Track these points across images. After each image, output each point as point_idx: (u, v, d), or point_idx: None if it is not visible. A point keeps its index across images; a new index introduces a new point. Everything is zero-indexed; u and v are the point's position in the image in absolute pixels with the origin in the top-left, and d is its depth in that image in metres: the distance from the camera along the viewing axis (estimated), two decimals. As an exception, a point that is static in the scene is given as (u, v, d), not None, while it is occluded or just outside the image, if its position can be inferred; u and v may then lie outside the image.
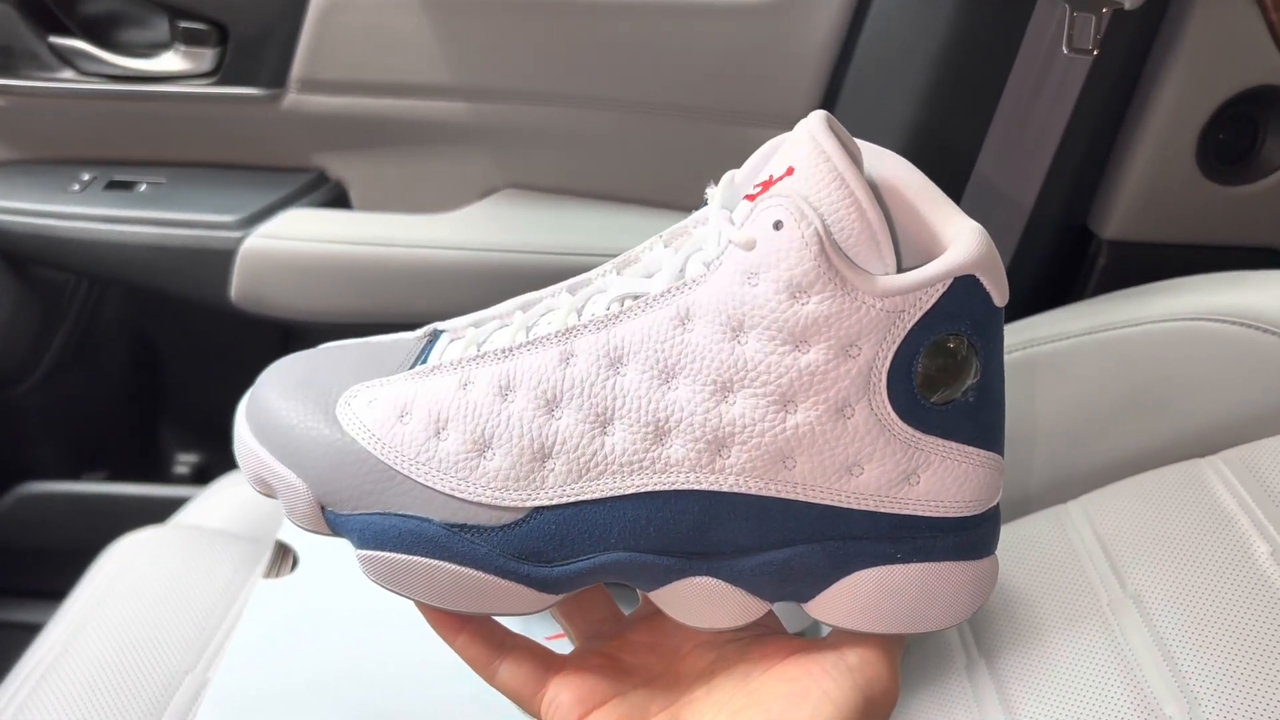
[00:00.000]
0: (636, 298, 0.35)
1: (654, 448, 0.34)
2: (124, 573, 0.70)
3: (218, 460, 1.18)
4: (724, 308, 0.33)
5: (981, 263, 0.32)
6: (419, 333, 0.40)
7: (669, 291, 0.34)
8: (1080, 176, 0.82)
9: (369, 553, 0.35)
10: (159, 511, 0.91)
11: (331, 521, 0.36)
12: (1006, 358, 0.71)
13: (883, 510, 0.34)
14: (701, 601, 0.35)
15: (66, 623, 0.66)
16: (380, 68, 0.91)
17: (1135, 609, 0.55)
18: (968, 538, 0.35)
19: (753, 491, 0.34)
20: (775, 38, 0.86)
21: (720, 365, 0.33)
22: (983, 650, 0.60)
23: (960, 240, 0.33)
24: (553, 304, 0.38)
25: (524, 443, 0.34)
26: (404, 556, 0.35)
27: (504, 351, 0.35)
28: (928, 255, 0.34)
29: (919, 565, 0.34)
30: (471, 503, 0.34)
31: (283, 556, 0.57)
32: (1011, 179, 0.80)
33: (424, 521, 0.35)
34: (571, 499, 0.34)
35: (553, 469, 0.34)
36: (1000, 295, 0.33)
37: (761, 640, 0.38)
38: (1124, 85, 0.79)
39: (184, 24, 0.91)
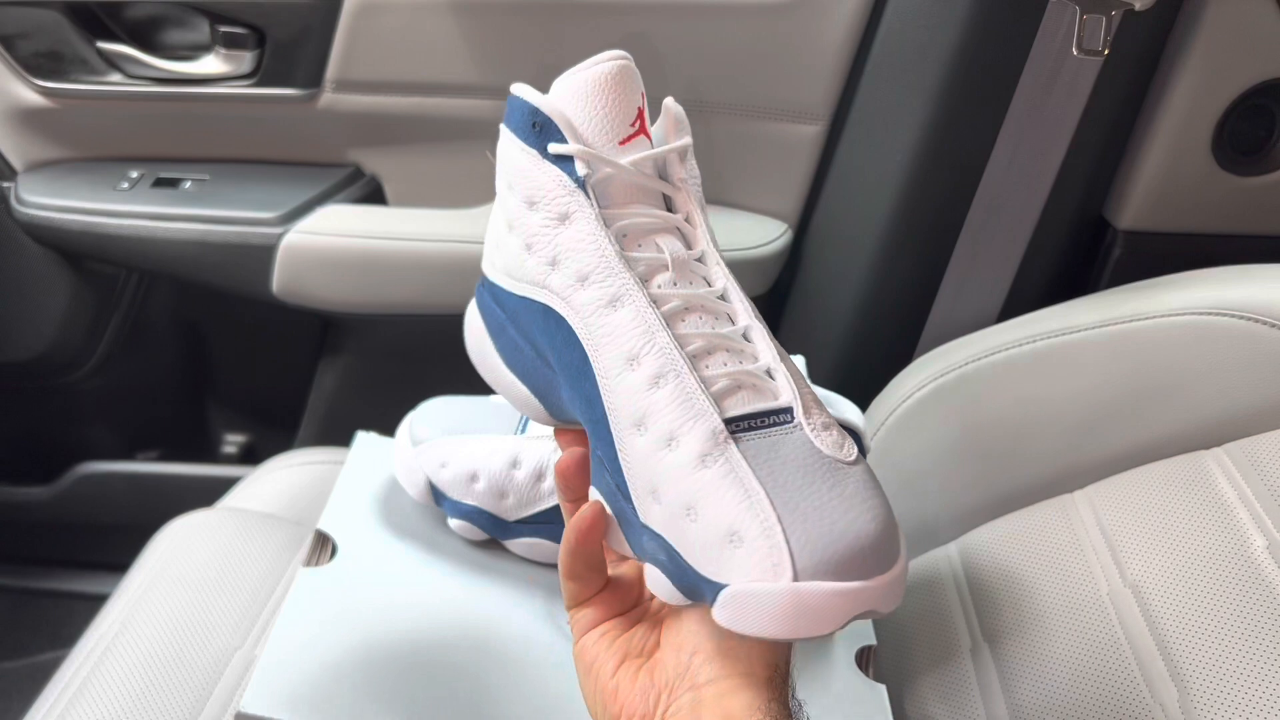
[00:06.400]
0: None
1: None
2: (176, 554, 0.73)
3: (262, 440, 1.22)
4: None
5: None
6: None
7: None
8: (1096, 168, 0.83)
9: None
10: (208, 489, 0.94)
11: None
12: (1020, 349, 0.72)
13: None
14: None
15: (124, 602, 0.70)
16: (411, 67, 0.93)
17: (1134, 598, 0.57)
18: None
19: None
20: (793, 35, 0.86)
21: None
22: (986, 635, 0.62)
23: None
24: None
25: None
26: None
27: None
28: None
29: None
30: None
31: (322, 545, 0.59)
32: (1027, 170, 0.81)
33: None
34: None
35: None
36: None
37: None
38: (1139, 79, 0.79)
39: (224, 28, 0.93)
